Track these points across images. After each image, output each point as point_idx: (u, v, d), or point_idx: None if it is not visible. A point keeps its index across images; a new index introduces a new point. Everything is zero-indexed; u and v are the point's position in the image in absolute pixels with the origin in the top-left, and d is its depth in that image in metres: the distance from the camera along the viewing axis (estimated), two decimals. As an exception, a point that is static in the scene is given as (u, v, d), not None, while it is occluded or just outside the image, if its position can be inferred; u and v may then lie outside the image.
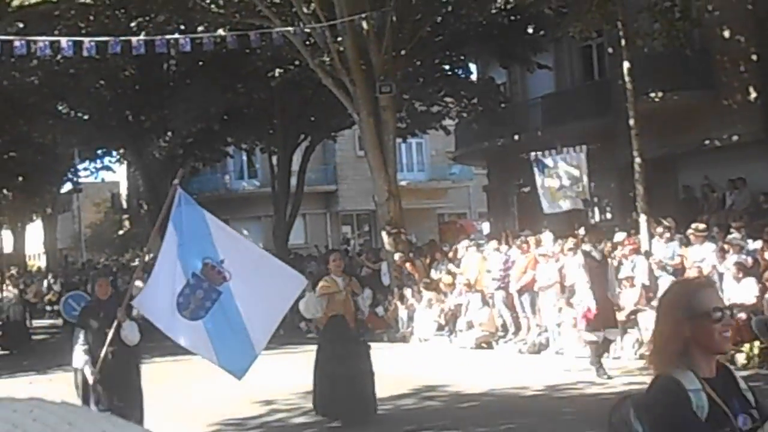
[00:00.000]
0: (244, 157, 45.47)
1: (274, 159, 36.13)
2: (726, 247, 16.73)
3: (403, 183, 35.74)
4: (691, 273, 16.46)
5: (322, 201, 47.65)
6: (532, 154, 15.91)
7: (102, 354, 9.38)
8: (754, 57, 24.12)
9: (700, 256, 16.95)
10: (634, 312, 16.84)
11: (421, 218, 44.18)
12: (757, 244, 16.77)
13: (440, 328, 21.37)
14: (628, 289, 17.28)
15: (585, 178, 15.80)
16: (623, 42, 21.05)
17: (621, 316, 16.88)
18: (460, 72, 32.13)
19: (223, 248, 8.83)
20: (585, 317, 14.50)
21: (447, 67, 31.34)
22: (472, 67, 34.04)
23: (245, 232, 44.48)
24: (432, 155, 50.26)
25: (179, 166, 37.37)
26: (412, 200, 40.22)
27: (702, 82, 24.90)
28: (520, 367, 16.12)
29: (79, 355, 9.84)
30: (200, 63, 28.97)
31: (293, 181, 35.59)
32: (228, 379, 8.82)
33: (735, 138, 24.15)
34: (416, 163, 50.79)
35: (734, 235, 17.16)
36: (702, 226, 17.68)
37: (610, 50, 27.29)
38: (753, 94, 24.11)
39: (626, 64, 20.87)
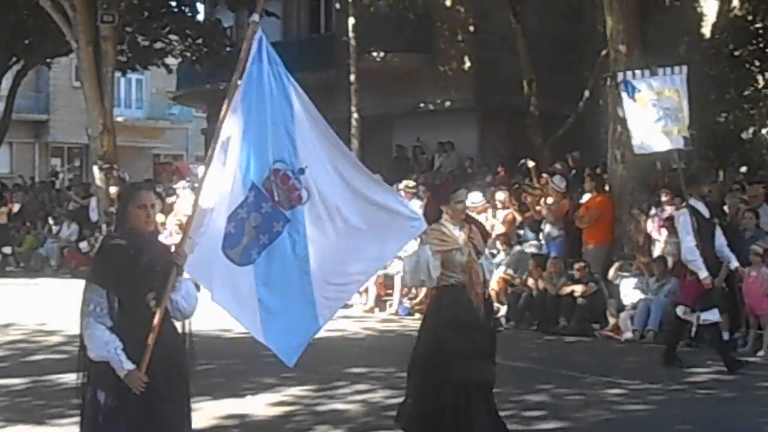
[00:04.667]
0: (-52, 77, 42.46)
1: (-19, 81, 33.98)
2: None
3: (119, 119, 34.74)
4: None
5: (32, 130, 45.40)
6: (620, 74, 12.28)
7: (151, 338, 5.02)
8: (472, 28, 25.27)
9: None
10: (341, 262, 17.33)
11: (136, 157, 43.17)
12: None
13: (148, 268, 21.05)
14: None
15: (685, 108, 11.64)
16: (350, -2, 21.46)
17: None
18: (186, 10, 31.46)
19: (309, 149, 5.63)
20: (695, 289, 10.92)
21: (174, 3, 30.62)
22: (200, 6, 33.50)
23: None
24: (152, 93, 49.08)
25: None
26: (127, 137, 39.21)
27: (421, 46, 25.80)
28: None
29: (100, 337, 5.01)
30: None
31: (0, 106, 33.65)
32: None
33: (448, 104, 25.25)
34: (135, 100, 49.45)
35: (438, 194, 17.97)
36: (411, 183, 18.39)
37: (337, 5, 27.68)
38: (468, 63, 25.27)
39: (351, 21, 21.30)
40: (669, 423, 8.52)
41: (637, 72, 11.98)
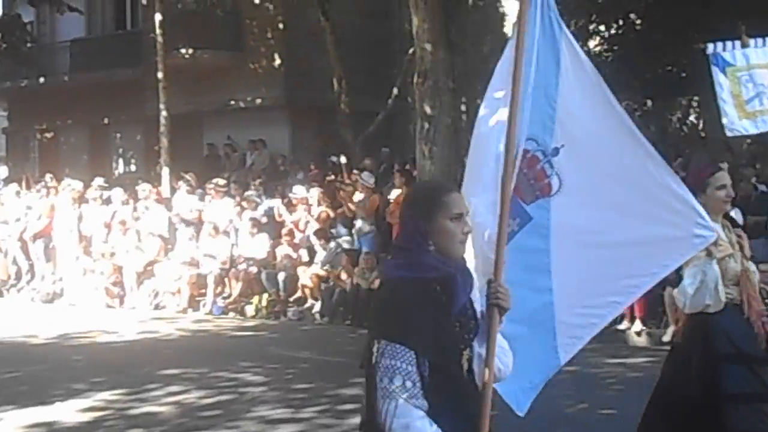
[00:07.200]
0: None
1: None
2: (244, 203, 17.47)
3: None
4: (208, 226, 17.01)
5: None
6: (710, 45, 10.49)
7: (484, 422, 3.32)
8: (281, 25, 25.27)
9: (219, 211, 17.53)
10: (152, 263, 17.07)
11: (-69, 158, 41.07)
12: (274, 202, 17.64)
13: (-54, 274, 20.13)
14: (150, 239, 17.48)
15: None
16: (157, -6, 21.13)
17: (140, 267, 17.06)
18: (-17, 4, 30.17)
19: (571, 124, 4.22)
20: None
21: (-31, -3, 29.31)
22: None
23: None
24: (-53, 91, 46.74)
25: None
26: None
27: (231, 43, 25.62)
28: (31, 316, 15.69)
29: (423, 430, 3.09)
30: None
31: None
32: None
33: (258, 101, 25.19)
34: (-72, 98, 46.94)
35: (251, 192, 17.94)
36: (222, 181, 18.30)
37: (143, 1, 27.16)
38: (278, 61, 25.26)
39: (158, 17, 20.97)
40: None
41: (728, 43, 10.30)
